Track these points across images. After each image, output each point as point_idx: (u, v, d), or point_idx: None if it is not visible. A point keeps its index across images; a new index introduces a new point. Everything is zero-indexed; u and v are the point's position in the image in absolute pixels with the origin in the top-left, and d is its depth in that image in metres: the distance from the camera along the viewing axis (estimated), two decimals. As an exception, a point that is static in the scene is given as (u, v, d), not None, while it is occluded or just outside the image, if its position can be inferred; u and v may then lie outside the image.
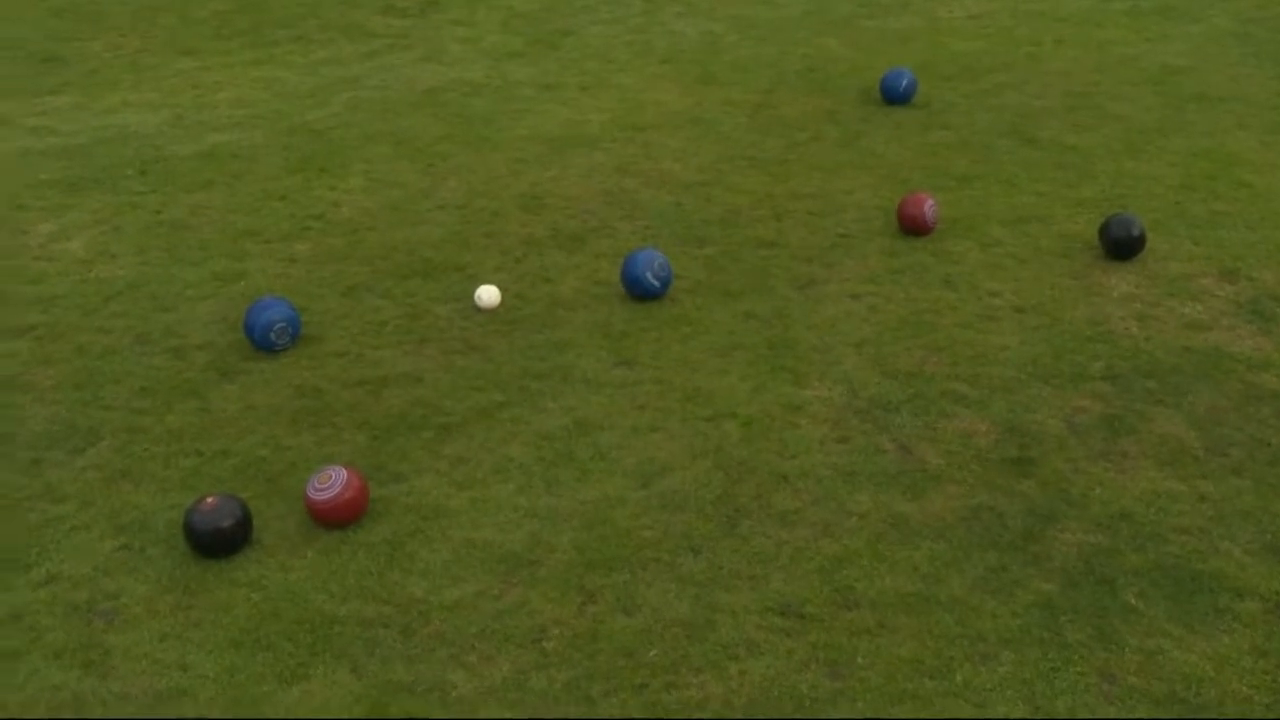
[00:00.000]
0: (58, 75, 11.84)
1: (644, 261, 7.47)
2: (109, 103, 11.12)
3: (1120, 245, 7.89)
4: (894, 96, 10.63)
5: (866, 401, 6.52)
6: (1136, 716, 4.61)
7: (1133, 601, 5.13)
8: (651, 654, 4.90)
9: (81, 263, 8.21)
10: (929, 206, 8.26)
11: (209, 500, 5.47)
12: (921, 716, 4.62)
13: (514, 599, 5.18)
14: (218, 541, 5.41)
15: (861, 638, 4.97)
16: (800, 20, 13.22)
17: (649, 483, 5.89)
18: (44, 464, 6.13)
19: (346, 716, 4.64)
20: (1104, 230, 7.97)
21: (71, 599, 5.24)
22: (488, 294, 7.44)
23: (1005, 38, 12.43)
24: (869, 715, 4.63)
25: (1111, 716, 4.60)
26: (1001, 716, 4.61)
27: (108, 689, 4.78)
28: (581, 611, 5.12)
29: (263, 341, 6.99)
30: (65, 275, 8.02)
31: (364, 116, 10.65)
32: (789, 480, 5.92)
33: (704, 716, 4.62)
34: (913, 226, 8.28)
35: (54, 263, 8.20)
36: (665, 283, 7.51)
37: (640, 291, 7.48)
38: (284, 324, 7.02)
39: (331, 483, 5.55)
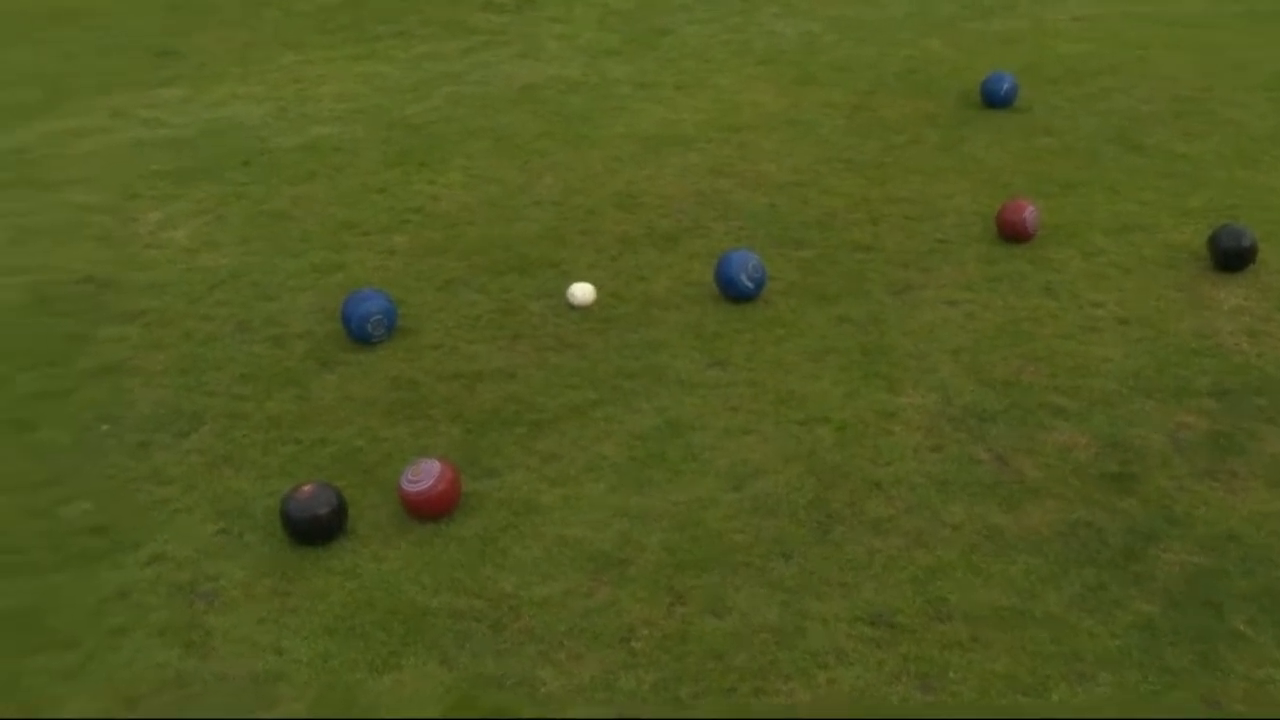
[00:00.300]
0: (170, 68, 12.16)
1: (738, 263, 7.44)
2: (217, 95, 11.39)
3: (1230, 256, 7.66)
4: (995, 100, 10.46)
5: (962, 410, 6.42)
6: (1240, 745, 4.48)
7: (1240, 627, 4.97)
8: (740, 658, 4.88)
9: (188, 251, 8.42)
10: (1030, 213, 8.11)
11: (305, 488, 5.56)
12: (1015, 734, 4.54)
13: (603, 598, 5.19)
14: (314, 529, 5.50)
15: (954, 651, 4.89)
16: (901, 21, 13.06)
17: (741, 485, 5.86)
18: (151, 446, 6.29)
19: (436, 707, 4.69)
20: (1213, 241, 7.75)
21: (175, 579, 5.37)
22: (582, 291, 7.47)
23: (1112, 40, 12.15)
24: (960, 730, 4.57)
25: (1213, 743, 4.49)
26: (1098, 738, 4.51)
27: (208, 669, 4.89)
28: (670, 613, 5.11)
29: (359, 332, 7.10)
30: (173, 263, 8.23)
31: (463, 112, 10.76)
32: (882, 488, 5.86)
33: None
34: (1013, 233, 8.13)
35: (162, 250, 8.41)
36: (759, 284, 7.47)
37: (734, 293, 7.45)
38: (380, 316, 7.11)
39: (424, 475, 5.61)
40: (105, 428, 6.44)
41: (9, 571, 5.41)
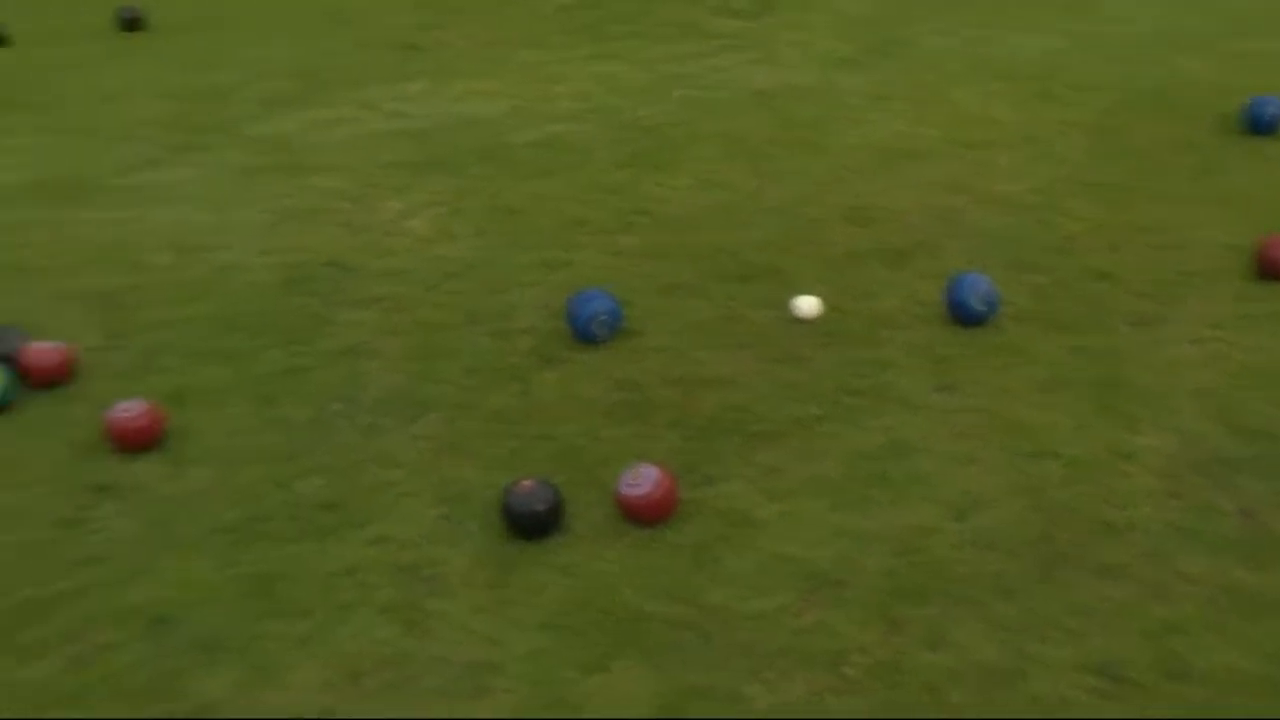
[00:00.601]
0: (415, 63, 12.67)
1: (970, 285, 7.22)
2: (457, 90, 11.80)
3: None
4: (1259, 126, 9.83)
5: (1205, 456, 6.04)
6: None
7: None
8: (956, 695, 4.72)
9: (424, 240, 8.73)
10: (1293, 249, 7.59)
11: (525, 483, 5.67)
12: (1254, 811, 4.24)
13: (816, 618, 5.11)
14: (532, 524, 5.60)
15: (1189, 713, 4.60)
16: (1153, 38, 12.44)
17: (964, 515, 5.68)
18: (380, 429, 6.54)
19: (643, 711, 4.70)
20: None
21: (398, 560, 5.56)
22: (807, 304, 7.39)
23: (1393, 66, 11.27)
24: (1193, 799, 4.30)
25: None
26: (1349, 826, 4.17)
27: (425, 651, 5.04)
28: (885, 640, 4.98)
29: (584, 331, 7.20)
30: (410, 252, 8.55)
31: (695, 115, 10.82)
32: (1114, 531, 5.57)
33: (1008, 771, 4.42)
34: (1273, 270, 7.62)
35: (401, 239, 8.76)
36: (992, 308, 7.23)
37: (964, 315, 7.23)
38: (606, 316, 7.21)
39: (643, 480, 5.64)
40: (337, 407, 6.74)
41: (256, 538, 5.72)
